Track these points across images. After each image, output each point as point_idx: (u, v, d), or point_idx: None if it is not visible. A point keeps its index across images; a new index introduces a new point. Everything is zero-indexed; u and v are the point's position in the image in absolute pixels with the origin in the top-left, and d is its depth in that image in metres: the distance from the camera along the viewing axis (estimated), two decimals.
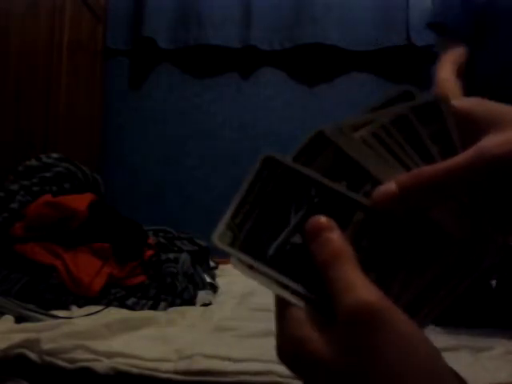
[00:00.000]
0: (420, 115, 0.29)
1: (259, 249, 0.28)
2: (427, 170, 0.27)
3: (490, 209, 0.28)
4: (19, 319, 0.99)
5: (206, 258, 1.66)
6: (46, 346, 0.78)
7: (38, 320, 0.98)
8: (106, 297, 1.20)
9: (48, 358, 0.77)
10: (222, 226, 0.29)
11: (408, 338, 0.23)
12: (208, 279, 1.50)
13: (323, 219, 0.27)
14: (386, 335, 0.23)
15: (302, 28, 2.27)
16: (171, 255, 1.45)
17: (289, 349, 0.25)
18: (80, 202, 1.33)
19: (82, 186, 1.51)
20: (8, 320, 0.97)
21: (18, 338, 0.79)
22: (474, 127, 0.28)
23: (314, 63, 2.39)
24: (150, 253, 1.40)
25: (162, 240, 1.59)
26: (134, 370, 0.78)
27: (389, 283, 0.27)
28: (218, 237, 0.28)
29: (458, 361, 0.86)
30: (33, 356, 0.77)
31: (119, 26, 2.38)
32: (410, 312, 0.26)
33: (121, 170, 2.39)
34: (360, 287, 0.24)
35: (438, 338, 0.99)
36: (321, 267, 0.26)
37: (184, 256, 1.49)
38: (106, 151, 2.38)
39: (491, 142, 0.26)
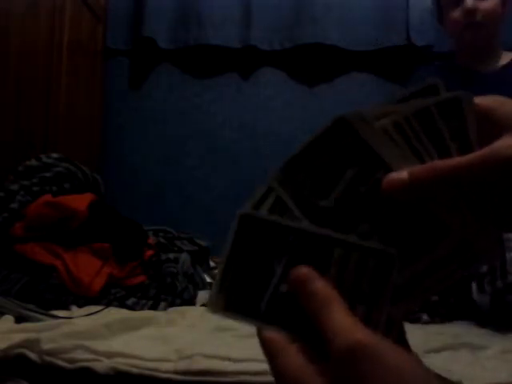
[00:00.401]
0: (442, 110, 0.29)
1: (252, 305, 0.29)
2: (439, 164, 0.27)
3: (496, 208, 0.28)
4: (19, 319, 0.99)
5: (206, 258, 1.66)
6: (46, 346, 0.78)
7: (38, 320, 0.98)
8: (106, 297, 1.20)
9: (48, 358, 0.77)
10: (213, 294, 0.29)
11: (396, 370, 0.24)
12: (208, 279, 1.50)
13: (304, 270, 0.27)
14: (373, 368, 0.24)
15: (302, 28, 2.27)
16: (171, 255, 1.45)
17: (290, 379, 0.26)
18: (80, 202, 1.33)
19: (82, 186, 1.51)
20: (8, 320, 0.97)
21: (18, 338, 0.79)
22: (494, 126, 0.28)
23: (314, 63, 2.39)
24: (149, 253, 1.40)
25: (162, 240, 1.59)
26: (134, 370, 0.78)
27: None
28: (212, 305, 0.29)
29: (458, 360, 0.86)
30: (33, 356, 0.77)
31: (119, 25, 2.38)
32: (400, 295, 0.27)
33: (121, 170, 2.39)
34: (349, 328, 0.25)
35: (437, 337, 0.99)
36: (311, 316, 0.27)
37: (184, 256, 1.49)
38: (106, 151, 2.38)
39: (505, 143, 0.26)
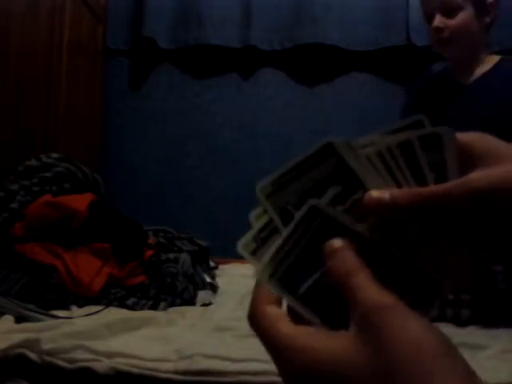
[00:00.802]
0: (423, 143, 0.32)
1: (294, 284, 0.31)
2: (418, 189, 0.31)
3: (470, 237, 0.31)
4: (19, 319, 0.99)
5: (206, 258, 1.66)
6: (46, 346, 0.78)
7: (38, 320, 0.98)
8: (106, 297, 1.20)
9: (48, 358, 0.77)
10: (265, 261, 0.31)
11: (417, 337, 0.24)
12: (208, 279, 1.50)
13: (337, 241, 0.30)
14: (399, 332, 0.24)
15: (302, 28, 2.27)
16: (171, 255, 1.45)
17: (301, 363, 0.26)
18: (80, 202, 1.33)
19: (82, 186, 1.51)
20: (8, 320, 0.97)
21: (18, 338, 0.79)
22: (474, 160, 0.31)
23: (314, 63, 2.39)
24: (149, 253, 1.40)
25: (162, 240, 1.59)
26: (134, 370, 0.78)
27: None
28: (260, 271, 0.31)
29: None
30: (33, 356, 0.77)
31: (119, 25, 2.38)
32: None
33: (121, 170, 2.39)
34: (377, 293, 0.26)
35: None
36: (338, 281, 0.28)
37: (184, 256, 1.49)
38: (106, 151, 2.38)
39: (477, 175, 0.30)
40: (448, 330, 1.11)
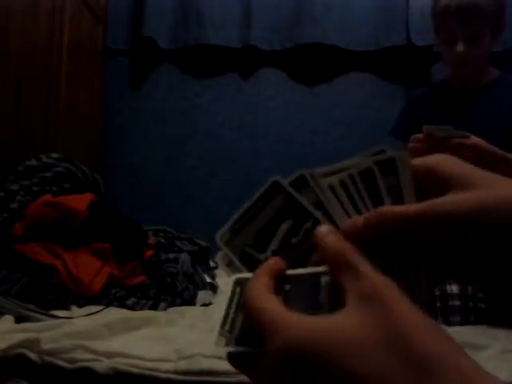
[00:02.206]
0: (381, 169, 0.35)
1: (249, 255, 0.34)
2: (389, 210, 0.32)
3: (440, 259, 0.33)
4: (19, 319, 0.99)
5: (205, 258, 1.66)
6: (46, 346, 0.78)
7: (38, 320, 0.98)
8: (106, 297, 1.20)
9: (48, 358, 0.77)
10: (224, 228, 0.34)
11: (418, 312, 0.25)
12: (208, 279, 1.50)
13: (327, 226, 0.31)
14: (405, 306, 0.25)
15: (302, 28, 2.27)
16: (171, 255, 1.45)
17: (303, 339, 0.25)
18: (80, 202, 1.33)
19: (82, 186, 1.51)
20: (8, 320, 0.97)
21: (17, 338, 0.79)
22: (439, 182, 0.32)
23: (313, 63, 2.38)
24: (149, 253, 1.40)
25: (161, 240, 1.58)
26: (134, 370, 0.78)
27: None
28: (219, 236, 0.34)
29: None
30: (33, 356, 0.77)
31: (119, 25, 2.38)
32: None
33: (121, 170, 2.38)
34: (372, 271, 0.27)
35: None
36: (334, 259, 0.28)
37: (184, 256, 1.49)
38: (106, 151, 2.38)
39: (445, 199, 0.31)
40: (449, 329, 1.11)
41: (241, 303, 0.32)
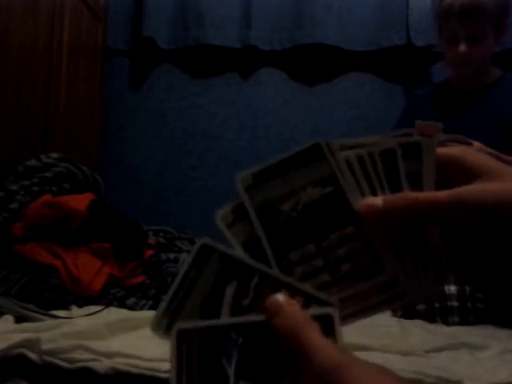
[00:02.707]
0: (405, 152, 0.32)
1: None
2: (411, 195, 0.31)
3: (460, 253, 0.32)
4: (19, 319, 0.99)
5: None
6: (46, 346, 0.78)
7: (38, 320, 0.98)
8: (106, 297, 1.20)
9: (48, 358, 0.77)
10: (158, 314, 0.30)
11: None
12: None
13: (281, 296, 0.29)
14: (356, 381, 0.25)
15: (302, 28, 2.27)
16: (171, 255, 1.45)
17: None
18: (80, 201, 1.33)
19: (82, 186, 1.51)
20: (8, 320, 0.97)
21: (17, 338, 0.79)
22: (463, 172, 0.31)
23: (313, 63, 2.38)
24: (150, 253, 1.40)
25: (161, 240, 1.58)
26: (134, 370, 0.78)
27: None
28: (154, 324, 0.30)
29: (458, 360, 0.86)
30: (33, 356, 0.77)
31: (119, 25, 2.38)
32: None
33: (121, 170, 2.39)
34: (332, 348, 0.27)
35: (437, 336, 0.99)
36: (288, 338, 0.28)
37: (184, 256, 1.49)
38: (106, 151, 2.38)
39: (473, 188, 0.30)
40: (449, 329, 1.11)
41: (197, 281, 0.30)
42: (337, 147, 0.33)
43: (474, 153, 0.32)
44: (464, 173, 0.31)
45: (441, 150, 0.33)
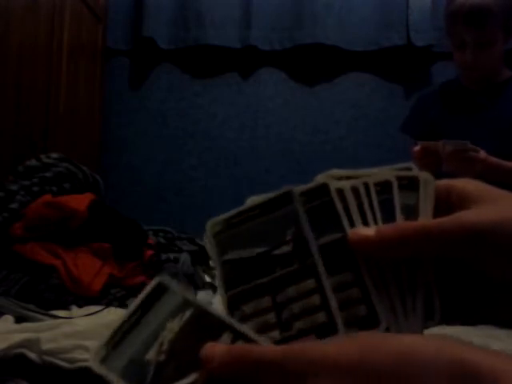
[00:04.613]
0: (401, 185, 0.32)
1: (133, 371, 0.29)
2: (404, 224, 0.30)
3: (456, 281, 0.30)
4: (19, 319, 0.99)
5: (206, 258, 1.66)
6: (46, 346, 0.78)
7: (38, 320, 0.98)
8: (106, 297, 1.20)
9: (48, 358, 0.77)
10: (99, 344, 0.29)
11: None
12: (208, 279, 1.50)
13: (212, 344, 0.27)
14: None
15: (302, 28, 2.27)
16: (171, 255, 1.45)
17: None
18: (80, 202, 1.33)
19: (82, 186, 1.51)
20: (8, 320, 0.97)
21: (17, 337, 0.79)
22: (467, 201, 0.30)
23: (313, 63, 2.39)
24: (149, 253, 1.40)
25: (161, 240, 1.58)
26: None
27: None
28: (92, 354, 0.29)
29: None
30: (33, 356, 0.77)
31: (119, 25, 2.38)
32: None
33: (121, 170, 2.39)
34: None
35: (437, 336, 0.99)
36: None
37: (184, 256, 1.49)
38: (106, 151, 2.38)
39: (469, 212, 0.29)
40: (450, 329, 1.10)
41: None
42: (333, 177, 0.32)
43: (470, 182, 0.32)
44: (461, 201, 0.31)
45: (439, 183, 0.32)
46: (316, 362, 0.23)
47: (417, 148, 1.30)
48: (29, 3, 1.70)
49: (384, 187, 0.32)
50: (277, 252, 0.31)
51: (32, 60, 1.75)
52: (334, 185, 0.32)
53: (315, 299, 0.29)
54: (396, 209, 0.31)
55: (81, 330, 0.89)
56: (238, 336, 0.28)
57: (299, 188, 0.32)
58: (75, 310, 1.12)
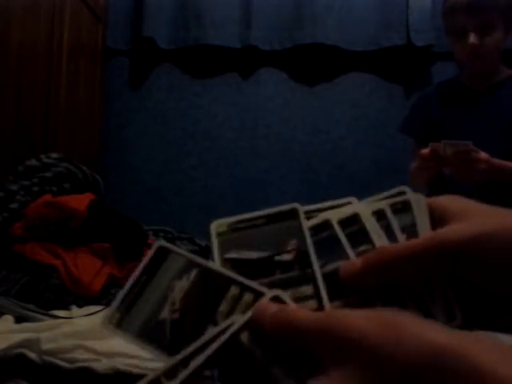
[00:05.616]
0: (396, 209, 0.34)
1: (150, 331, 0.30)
2: (389, 248, 0.30)
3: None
4: (19, 319, 0.99)
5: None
6: (46, 346, 0.78)
7: (38, 320, 0.98)
8: (106, 297, 1.20)
9: (48, 358, 0.77)
10: (110, 309, 0.30)
11: None
12: None
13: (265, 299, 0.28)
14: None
15: (302, 28, 2.27)
16: None
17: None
18: (80, 201, 1.33)
19: (82, 186, 1.51)
20: (8, 320, 0.97)
21: (17, 337, 0.79)
22: (447, 220, 0.31)
23: (313, 63, 2.39)
24: None
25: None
26: (134, 370, 0.78)
27: None
28: (105, 320, 0.30)
29: None
30: (33, 356, 0.77)
31: (119, 25, 2.38)
32: None
33: (121, 170, 2.39)
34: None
35: None
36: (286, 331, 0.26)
37: None
38: (106, 151, 2.38)
39: (446, 229, 0.30)
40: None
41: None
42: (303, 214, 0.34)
43: (454, 199, 0.32)
44: (443, 218, 0.31)
45: (429, 201, 0.33)
46: (354, 344, 0.23)
47: (425, 150, 1.30)
48: (29, 3, 1.70)
49: (379, 215, 0.33)
50: (278, 258, 0.32)
51: (32, 60, 1.75)
52: (336, 216, 0.33)
53: (311, 304, 0.30)
54: (396, 232, 0.33)
55: (81, 330, 0.88)
56: (244, 288, 0.29)
57: (308, 223, 0.33)
58: (75, 310, 1.12)
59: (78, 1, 2.07)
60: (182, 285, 0.30)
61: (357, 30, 2.28)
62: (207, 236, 0.33)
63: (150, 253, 0.32)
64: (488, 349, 0.22)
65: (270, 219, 0.34)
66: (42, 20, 1.81)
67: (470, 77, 1.55)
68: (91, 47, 2.26)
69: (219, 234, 0.33)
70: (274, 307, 0.27)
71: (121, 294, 0.30)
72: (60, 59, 1.93)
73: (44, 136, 1.83)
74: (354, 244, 0.32)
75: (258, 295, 0.28)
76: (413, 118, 1.66)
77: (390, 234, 0.33)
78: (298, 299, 0.30)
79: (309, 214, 0.34)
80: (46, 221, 1.29)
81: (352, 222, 0.33)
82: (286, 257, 0.32)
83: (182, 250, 0.32)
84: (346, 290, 0.30)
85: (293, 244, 0.32)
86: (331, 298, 0.30)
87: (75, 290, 1.19)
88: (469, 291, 0.30)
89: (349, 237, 0.32)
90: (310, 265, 0.31)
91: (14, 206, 1.33)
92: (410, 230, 0.32)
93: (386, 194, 0.35)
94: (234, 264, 0.32)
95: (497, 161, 1.29)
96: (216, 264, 0.32)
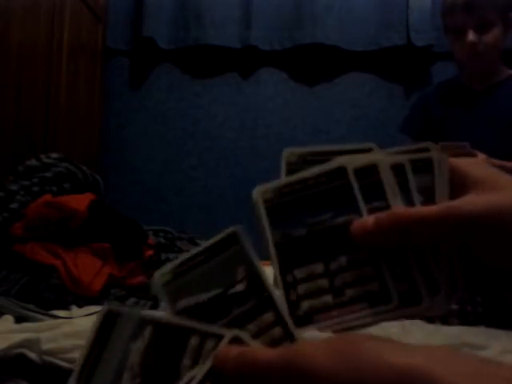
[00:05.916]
0: (416, 167, 0.32)
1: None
2: (403, 212, 0.30)
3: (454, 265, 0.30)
4: (19, 319, 0.99)
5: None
6: (46, 346, 0.78)
7: (38, 320, 0.98)
8: (106, 297, 1.20)
9: (48, 358, 0.77)
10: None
11: None
12: None
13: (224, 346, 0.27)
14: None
15: (302, 28, 2.27)
16: (171, 255, 1.45)
17: None
18: (80, 201, 1.33)
19: (82, 186, 1.51)
20: (8, 320, 0.97)
21: (17, 337, 0.79)
22: (468, 186, 0.30)
23: (314, 63, 2.39)
24: (149, 253, 1.40)
25: (162, 240, 1.58)
26: None
27: None
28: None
29: None
30: (33, 356, 0.77)
31: (119, 25, 2.38)
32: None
33: (121, 170, 2.38)
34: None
35: (437, 337, 0.99)
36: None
37: None
38: (106, 151, 2.38)
39: (469, 198, 0.29)
40: (450, 330, 1.10)
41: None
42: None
43: (477, 164, 0.31)
44: (463, 185, 0.30)
45: (452, 163, 0.32)
46: (316, 379, 0.23)
47: None
48: (29, 3, 1.70)
49: (398, 169, 0.31)
50: (232, 291, 0.30)
51: (32, 60, 1.75)
52: (352, 164, 0.31)
53: (367, 270, 0.30)
54: (413, 192, 0.31)
55: (81, 330, 0.88)
56: (203, 335, 0.28)
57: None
58: (75, 310, 1.12)
59: (78, 1, 2.07)
60: (138, 346, 0.29)
61: (357, 29, 2.28)
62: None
63: (96, 320, 0.30)
64: (451, 365, 0.21)
65: (212, 252, 0.32)
66: (42, 20, 1.81)
67: (469, 77, 1.55)
68: (91, 47, 2.26)
69: (165, 284, 0.31)
70: (234, 351, 0.26)
71: (74, 373, 0.29)
72: (60, 59, 1.93)
73: (44, 136, 1.83)
74: (368, 198, 0.31)
75: (220, 338, 0.27)
76: (413, 118, 1.66)
77: (407, 193, 0.31)
78: (263, 330, 0.29)
79: (324, 156, 0.32)
80: (46, 221, 1.29)
81: (368, 173, 0.31)
82: (239, 287, 0.30)
83: (131, 309, 0.31)
84: (354, 246, 0.30)
85: (241, 271, 0.30)
86: (338, 253, 0.30)
87: (75, 289, 1.19)
88: (477, 267, 0.30)
89: (362, 189, 0.31)
90: (264, 289, 0.29)
91: (14, 206, 1.33)
92: (428, 193, 0.31)
93: (408, 147, 0.33)
94: (188, 313, 0.30)
95: (496, 161, 1.29)
96: (168, 316, 0.30)
